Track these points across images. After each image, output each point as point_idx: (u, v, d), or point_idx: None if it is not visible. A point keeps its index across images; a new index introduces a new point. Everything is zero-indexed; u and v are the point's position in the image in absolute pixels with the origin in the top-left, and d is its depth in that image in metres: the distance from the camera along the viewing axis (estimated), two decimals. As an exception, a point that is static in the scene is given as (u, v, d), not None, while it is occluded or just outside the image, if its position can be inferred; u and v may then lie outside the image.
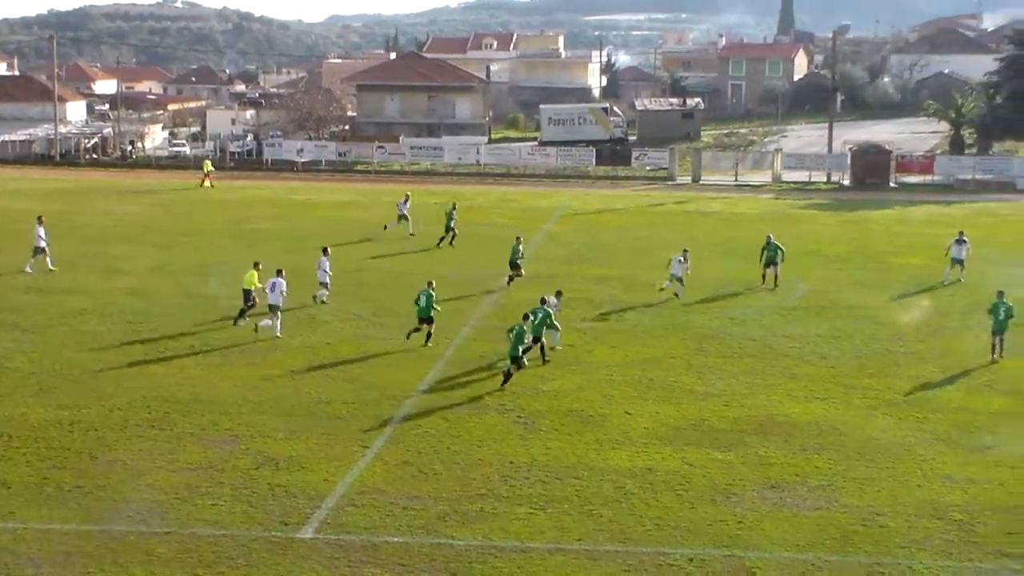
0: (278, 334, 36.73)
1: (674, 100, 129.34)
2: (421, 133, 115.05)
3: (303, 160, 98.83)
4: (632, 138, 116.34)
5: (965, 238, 48.23)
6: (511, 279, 45.09)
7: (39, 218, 48.68)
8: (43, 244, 47.77)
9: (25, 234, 50.15)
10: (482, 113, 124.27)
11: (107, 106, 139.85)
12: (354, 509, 23.15)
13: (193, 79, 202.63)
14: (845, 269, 51.36)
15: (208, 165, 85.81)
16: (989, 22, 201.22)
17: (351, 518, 22.73)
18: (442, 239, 55.09)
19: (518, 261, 45.14)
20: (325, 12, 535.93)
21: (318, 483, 24.47)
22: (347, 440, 27.25)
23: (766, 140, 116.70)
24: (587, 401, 30.60)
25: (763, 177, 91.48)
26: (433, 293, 36.28)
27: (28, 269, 47.37)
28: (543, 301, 34.47)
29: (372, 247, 54.87)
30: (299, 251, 50.38)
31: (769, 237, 46.13)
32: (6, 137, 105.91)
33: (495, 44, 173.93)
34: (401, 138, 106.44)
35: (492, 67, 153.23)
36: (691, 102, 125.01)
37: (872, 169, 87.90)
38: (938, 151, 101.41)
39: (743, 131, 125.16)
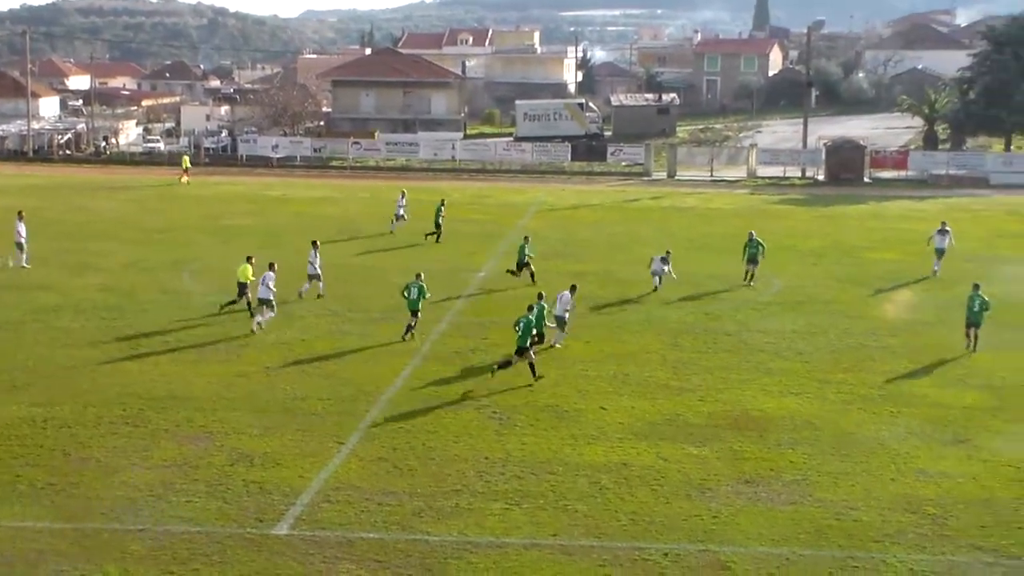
0: (254, 329, 36.72)
1: (649, 96, 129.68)
2: (396, 129, 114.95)
3: (278, 156, 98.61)
4: (608, 134, 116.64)
5: (947, 228, 48.58)
6: (513, 273, 44.62)
7: (19, 213, 48.58)
8: (22, 240, 47.63)
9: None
10: (457, 109, 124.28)
11: (80, 102, 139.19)
12: (329, 505, 23.10)
13: (167, 75, 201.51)
14: (820, 264, 51.54)
15: (186, 161, 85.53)
16: (963, 18, 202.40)
17: (326, 514, 22.68)
18: (430, 234, 55.25)
19: (526, 260, 44.61)
20: (300, 7, 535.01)
21: (293, 479, 24.41)
22: (322, 436, 27.19)
23: (741, 136, 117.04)
24: (562, 396, 30.61)
25: (738, 173, 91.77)
26: (424, 285, 36.35)
27: (11, 263, 47.31)
28: (540, 296, 34.56)
29: (346, 243, 54.77)
30: (274, 247, 50.22)
31: (751, 234, 46.20)
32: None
33: (470, 40, 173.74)
34: (376, 134, 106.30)
35: (467, 63, 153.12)
36: (666, 98, 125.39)
37: (846, 164, 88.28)
38: (912, 147, 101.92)
39: (718, 126, 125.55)
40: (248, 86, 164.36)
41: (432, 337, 36.51)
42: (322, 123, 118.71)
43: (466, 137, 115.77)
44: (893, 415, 29.49)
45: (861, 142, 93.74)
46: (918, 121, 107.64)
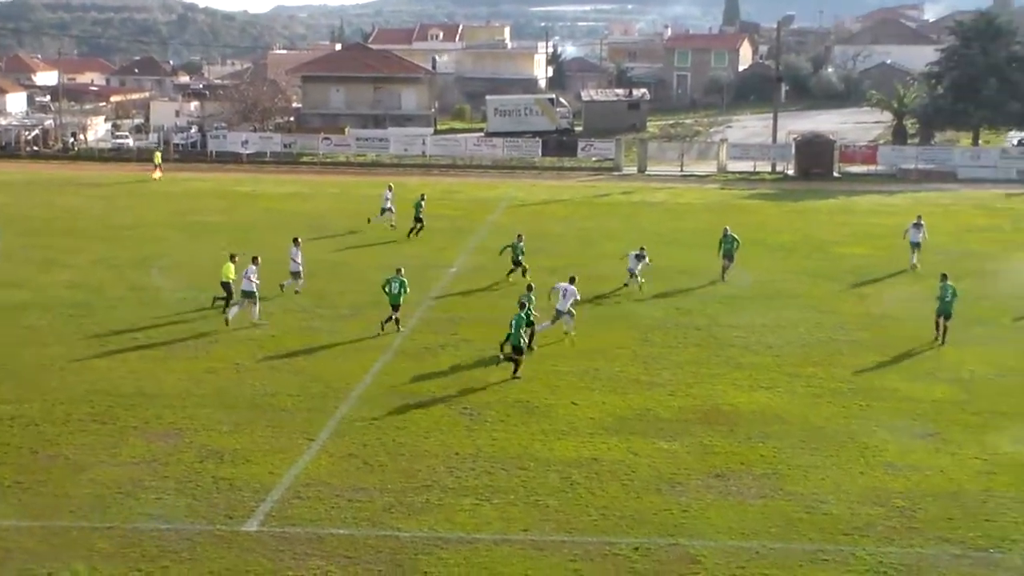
0: (228, 320, 36.88)
1: (620, 91, 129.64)
2: (367, 124, 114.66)
3: (248, 152, 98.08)
4: (578, 129, 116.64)
5: (922, 222, 48.90)
6: (518, 272, 44.34)
7: None
8: None
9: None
10: (428, 104, 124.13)
11: (48, 97, 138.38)
12: (299, 502, 23.05)
13: (136, 70, 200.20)
14: (790, 259, 51.70)
15: (158, 157, 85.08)
16: (931, 13, 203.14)
17: (296, 511, 22.62)
18: (412, 230, 55.17)
19: (520, 258, 44.47)
20: (270, 3, 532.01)
21: (263, 476, 24.34)
22: (292, 432, 27.12)
23: (711, 130, 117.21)
24: (533, 392, 30.61)
25: (708, 167, 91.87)
26: (405, 280, 36.41)
27: None
28: (529, 288, 34.87)
29: (316, 239, 54.55)
30: (244, 243, 49.89)
31: (726, 230, 46.15)
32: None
33: (441, 35, 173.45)
34: (347, 129, 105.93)
35: (438, 58, 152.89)
36: (637, 93, 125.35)
37: (816, 159, 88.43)
38: (881, 141, 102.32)
39: (689, 121, 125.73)
40: (218, 82, 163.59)
41: (403, 332, 36.44)
42: (292, 119, 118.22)
43: (436, 132, 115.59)
44: (862, 409, 29.63)
45: (831, 137, 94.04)
46: (887, 116, 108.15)
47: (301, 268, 41.56)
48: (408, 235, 55.00)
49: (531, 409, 29.17)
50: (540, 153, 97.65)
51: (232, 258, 38.86)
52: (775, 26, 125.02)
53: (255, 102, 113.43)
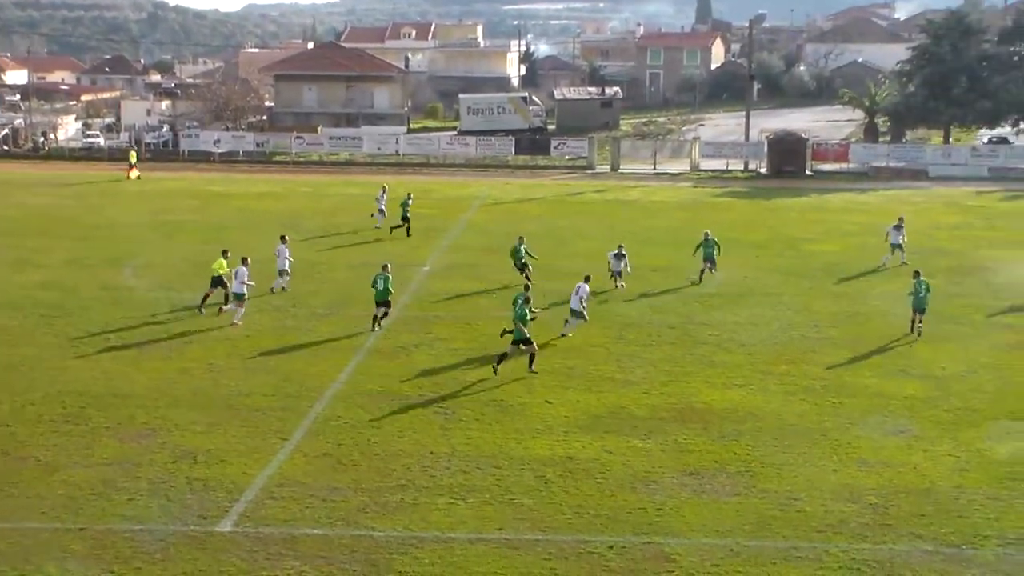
0: (236, 321, 36.97)
1: (593, 89, 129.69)
2: (340, 123, 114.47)
3: (220, 151, 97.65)
4: (551, 127, 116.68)
5: (902, 224, 49.18)
6: (528, 273, 44.05)
7: None
8: None
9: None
10: (401, 103, 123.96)
11: (18, 96, 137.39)
12: (273, 502, 23.00)
13: (107, 69, 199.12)
14: (762, 256, 51.81)
15: (134, 156, 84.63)
16: (902, 11, 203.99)
17: (270, 511, 22.57)
18: (397, 227, 55.14)
19: (523, 261, 44.13)
20: (242, 1, 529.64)
21: (237, 476, 24.27)
22: (266, 432, 27.06)
23: (684, 129, 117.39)
24: (507, 390, 30.62)
25: (681, 165, 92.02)
26: (389, 276, 36.51)
27: None
28: (527, 287, 35.24)
29: (290, 239, 54.42)
30: (217, 242, 49.68)
31: (707, 234, 45.90)
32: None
33: (414, 33, 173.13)
34: (319, 128, 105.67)
35: (411, 57, 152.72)
36: (610, 91, 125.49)
37: (788, 157, 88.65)
38: (853, 139, 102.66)
39: (661, 120, 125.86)
40: (189, 80, 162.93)
41: (377, 332, 36.39)
42: (264, 118, 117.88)
43: (410, 131, 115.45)
44: (835, 406, 29.75)
45: (803, 135, 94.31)
46: (859, 114, 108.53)
47: (288, 266, 41.70)
48: (391, 231, 54.92)
49: (505, 408, 29.18)
50: (513, 151, 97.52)
51: (224, 253, 38.95)
52: (747, 24, 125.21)
53: (227, 101, 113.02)
